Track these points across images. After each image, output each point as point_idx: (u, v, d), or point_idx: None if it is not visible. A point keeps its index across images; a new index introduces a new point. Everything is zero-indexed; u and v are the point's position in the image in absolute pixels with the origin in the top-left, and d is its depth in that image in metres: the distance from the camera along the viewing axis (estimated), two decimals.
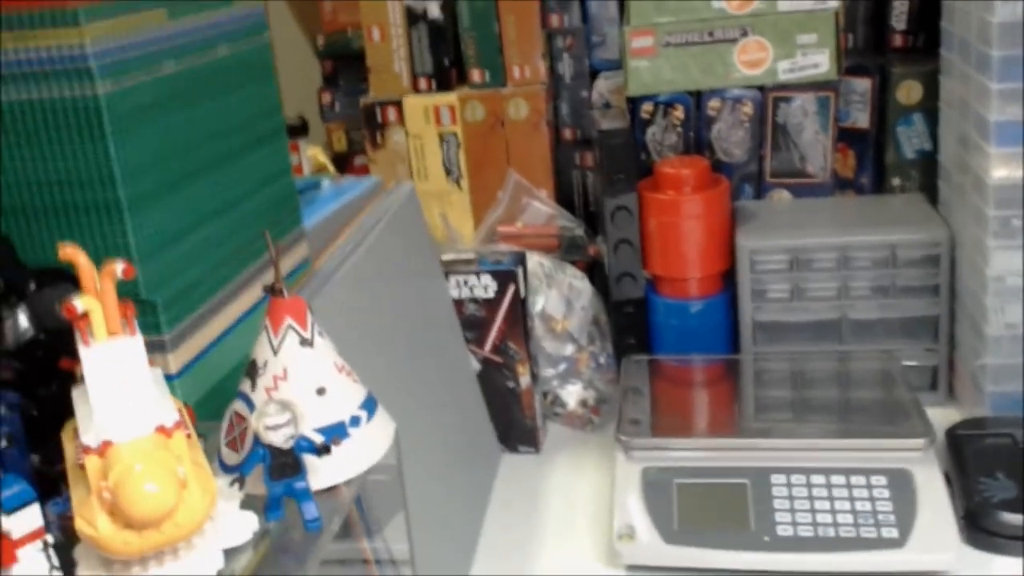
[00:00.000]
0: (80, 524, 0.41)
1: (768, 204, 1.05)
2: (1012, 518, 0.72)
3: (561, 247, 1.17)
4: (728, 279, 1.01)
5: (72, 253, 0.44)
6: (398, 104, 1.20)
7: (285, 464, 0.47)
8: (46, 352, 0.51)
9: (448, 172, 1.21)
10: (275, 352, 0.50)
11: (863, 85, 1.03)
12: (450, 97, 1.18)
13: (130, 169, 0.56)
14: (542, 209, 1.18)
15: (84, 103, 0.55)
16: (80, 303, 0.42)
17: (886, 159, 1.05)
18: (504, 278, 0.91)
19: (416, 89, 1.20)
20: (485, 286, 0.92)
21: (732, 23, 1.00)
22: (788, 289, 0.97)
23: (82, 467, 0.43)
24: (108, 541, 0.41)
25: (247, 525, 0.46)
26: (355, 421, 0.51)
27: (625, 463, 0.82)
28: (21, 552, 0.41)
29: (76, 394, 0.47)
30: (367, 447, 0.52)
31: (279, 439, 0.46)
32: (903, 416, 0.81)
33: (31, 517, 0.42)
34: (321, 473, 0.50)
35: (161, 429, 0.42)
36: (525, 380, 0.95)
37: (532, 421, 0.96)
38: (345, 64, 1.38)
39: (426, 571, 0.65)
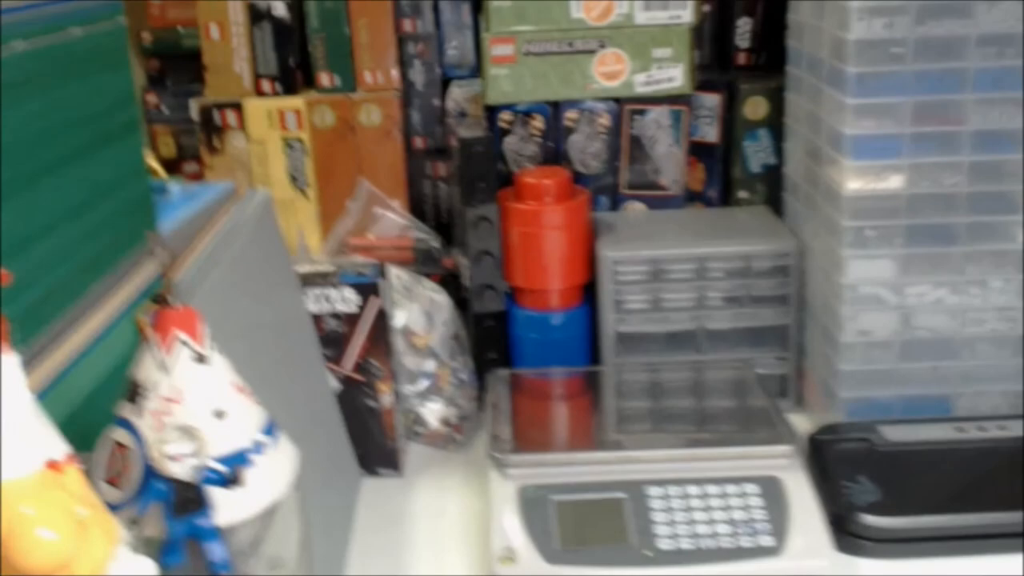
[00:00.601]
0: None
1: (624, 216, 1.06)
2: (877, 521, 0.75)
3: (416, 260, 1.13)
4: (587, 291, 1.01)
5: None
6: (238, 107, 1.12)
7: (188, 499, 0.41)
8: None
9: (293, 180, 1.14)
10: (165, 371, 0.44)
11: (712, 100, 1.06)
12: (296, 101, 1.12)
13: None
14: (395, 220, 1.14)
15: None
16: None
17: (733, 173, 1.08)
18: (366, 291, 0.87)
19: (259, 92, 1.13)
20: (346, 300, 0.87)
21: (591, 34, 1.00)
22: (648, 300, 0.98)
23: None
24: None
25: (144, 573, 0.40)
26: (258, 448, 0.45)
27: (500, 481, 0.79)
28: None
29: None
30: (272, 477, 0.46)
31: (183, 470, 0.40)
32: (767, 423, 0.83)
33: None
34: (221, 509, 0.44)
35: (51, 464, 0.36)
36: (387, 399, 0.91)
37: (394, 442, 0.92)
38: (174, 63, 1.29)
39: None
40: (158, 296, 0.44)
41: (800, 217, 0.96)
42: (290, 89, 1.13)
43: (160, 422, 0.43)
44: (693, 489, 0.77)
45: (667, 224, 1.03)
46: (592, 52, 1.00)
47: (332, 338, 0.88)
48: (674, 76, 1.00)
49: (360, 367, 0.89)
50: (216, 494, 0.43)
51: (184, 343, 0.45)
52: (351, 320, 0.88)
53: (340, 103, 1.11)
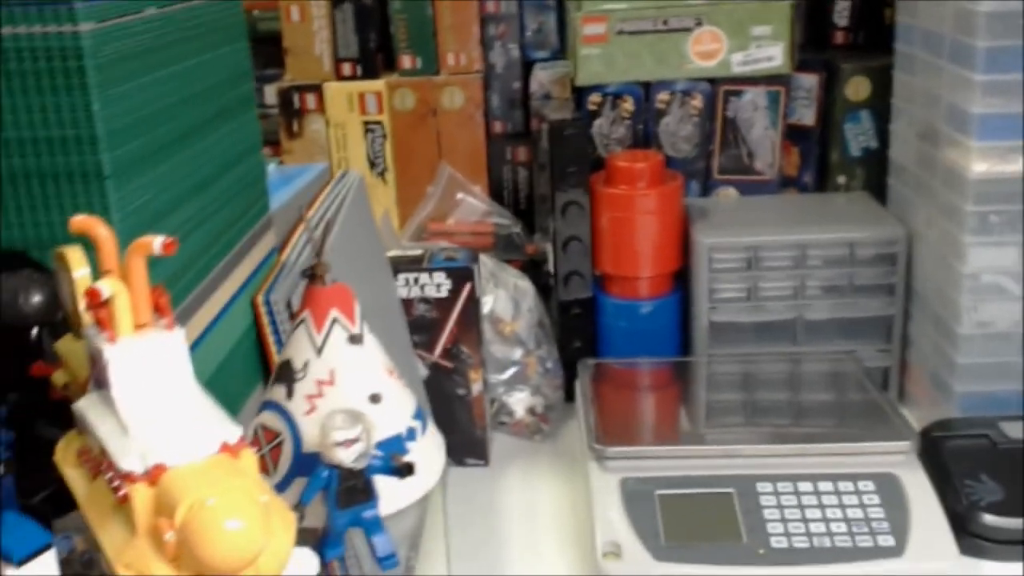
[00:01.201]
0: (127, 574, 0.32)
1: (717, 201, 1.02)
2: (1003, 522, 0.71)
3: (497, 246, 1.11)
4: (677, 279, 0.97)
5: (89, 223, 0.34)
6: (318, 90, 1.11)
7: (355, 489, 0.38)
8: (5, 353, 0.41)
9: (372, 164, 1.12)
10: (318, 352, 0.42)
11: (810, 81, 1.02)
12: (377, 84, 1.09)
13: (112, 129, 0.46)
14: (476, 205, 1.11)
15: (62, 43, 0.44)
16: (107, 287, 0.33)
17: (831, 157, 1.04)
18: (459, 276, 0.84)
19: (339, 74, 1.11)
20: (438, 285, 0.85)
21: (687, 12, 0.96)
22: (744, 288, 0.94)
23: (122, 500, 0.33)
24: None
25: (306, 566, 0.37)
26: (411, 433, 0.42)
27: (600, 474, 0.76)
28: None
29: (86, 405, 0.36)
30: (427, 465, 0.44)
31: (350, 457, 0.38)
32: (882, 419, 0.79)
33: (45, 568, 0.32)
34: (384, 499, 0.41)
35: (227, 448, 0.33)
36: (477, 387, 0.88)
37: (483, 431, 0.89)
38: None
39: None
40: (311, 273, 0.41)
41: (908, 203, 0.92)
42: (371, 72, 1.11)
43: (313, 406, 0.41)
44: (805, 486, 0.73)
45: (763, 210, 0.99)
46: (688, 30, 0.96)
47: (421, 323, 0.86)
48: (773, 55, 0.96)
49: (449, 353, 0.87)
50: (381, 483, 0.40)
51: (338, 322, 0.42)
52: (441, 305, 0.85)
53: (421, 85, 1.09)
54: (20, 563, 0.32)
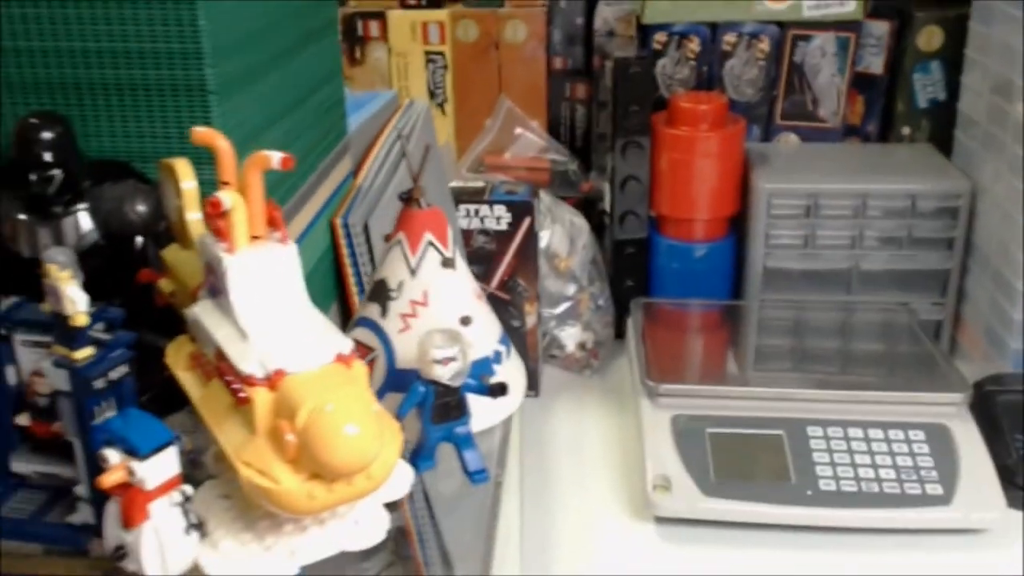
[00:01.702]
0: (248, 474, 0.33)
1: (778, 147, 1.02)
2: None
3: (552, 182, 1.11)
4: (733, 224, 0.97)
5: (210, 135, 0.35)
6: (382, 17, 1.10)
7: (449, 405, 0.40)
8: (110, 261, 0.42)
9: (432, 95, 1.12)
10: (413, 273, 0.43)
11: (881, 28, 1.00)
12: (441, 14, 1.09)
13: (217, 44, 0.47)
14: (534, 140, 1.11)
15: None
16: (227, 198, 0.34)
17: (896, 107, 1.02)
18: (520, 210, 0.85)
19: (403, 3, 1.11)
20: (498, 217, 0.85)
21: None
22: (801, 236, 0.94)
23: (242, 401, 0.35)
24: (291, 496, 0.33)
25: (404, 477, 0.39)
26: (497, 356, 0.44)
27: (652, 410, 0.77)
28: (153, 506, 0.33)
29: (200, 311, 0.38)
30: (513, 386, 0.45)
31: (447, 375, 0.39)
32: (935, 370, 0.79)
33: (167, 463, 0.34)
34: (476, 417, 0.43)
35: (340, 357, 0.34)
36: (531, 319, 0.89)
37: (535, 363, 0.91)
38: None
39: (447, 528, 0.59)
40: (408, 196, 0.42)
41: (974, 156, 0.91)
42: (435, 1, 1.10)
43: (407, 324, 0.42)
44: (855, 432, 0.74)
45: (824, 158, 0.98)
46: None
47: (480, 255, 0.87)
48: (846, 0, 0.95)
49: (506, 286, 0.88)
50: (474, 401, 0.42)
51: (432, 245, 0.43)
52: (500, 238, 0.86)
53: (485, 17, 1.08)
54: (145, 457, 0.34)
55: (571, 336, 0.97)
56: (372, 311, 0.44)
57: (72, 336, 0.39)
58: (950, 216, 0.91)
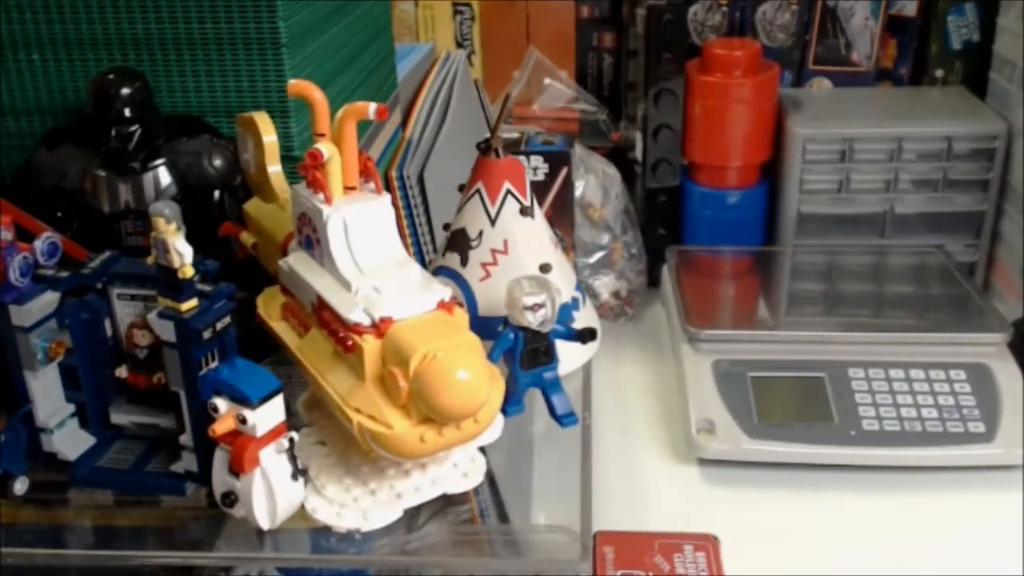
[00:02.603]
0: (361, 420, 0.34)
1: (811, 92, 1.01)
2: None
3: (581, 132, 1.11)
4: (765, 170, 0.98)
5: (306, 87, 0.36)
6: None
7: (538, 351, 0.41)
8: (189, 215, 0.43)
9: (460, 46, 1.12)
10: (492, 222, 0.43)
11: None
12: None
13: None
14: (563, 91, 1.11)
15: None
16: (325, 149, 0.34)
17: (930, 50, 1.02)
18: (557, 160, 0.86)
19: None
20: (535, 168, 0.86)
21: None
22: (836, 180, 0.94)
23: (349, 348, 0.36)
24: (403, 440, 0.34)
25: (495, 422, 0.40)
26: (575, 303, 0.45)
27: (693, 355, 0.78)
28: (263, 453, 0.34)
29: (294, 262, 0.39)
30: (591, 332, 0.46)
31: (537, 321, 0.40)
32: (974, 311, 0.80)
33: (275, 410, 0.35)
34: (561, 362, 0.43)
35: (442, 304, 0.35)
36: None
37: None
38: None
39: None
40: (487, 145, 0.43)
41: (1009, 98, 0.91)
42: None
43: (488, 273, 0.43)
44: (896, 372, 0.75)
45: (858, 102, 0.98)
46: None
47: None
48: None
49: None
50: (560, 347, 0.42)
51: (511, 194, 0.44)
52: (537, 188, 0.87)
53: None
54: (257, 404, 0.34)
55: (605, 285, 0.97)
56: (452, 260, 0.44)
57: (179, 288, 0.40)
58: (986, 158, 0.91)
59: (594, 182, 0.98)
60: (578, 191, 0.96)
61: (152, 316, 0.42)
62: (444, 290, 0.36)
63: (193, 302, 0.41)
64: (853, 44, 1.00)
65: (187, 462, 0.45)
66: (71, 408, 0.50)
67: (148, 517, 0.50)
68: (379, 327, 0.34)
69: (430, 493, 0.37)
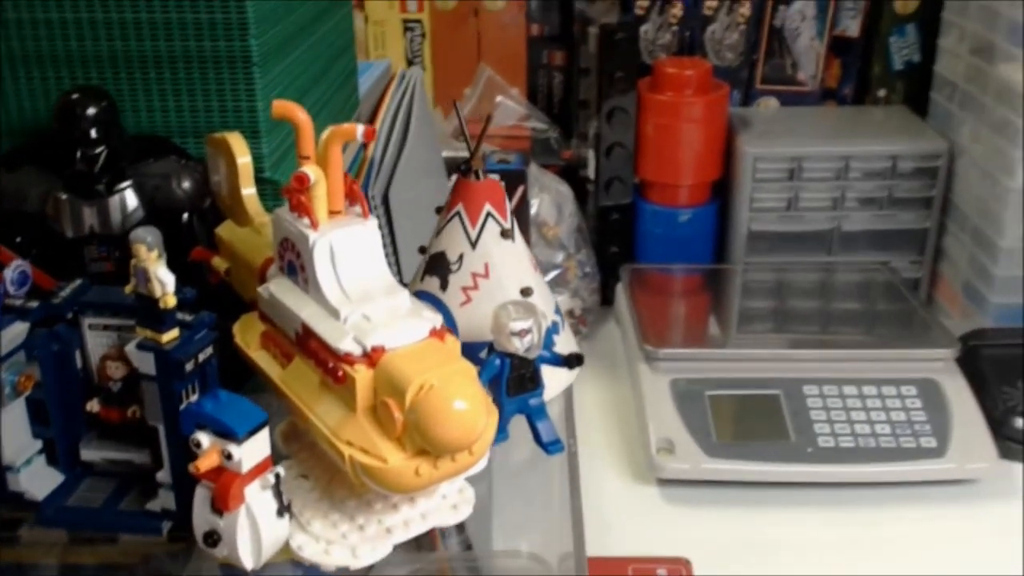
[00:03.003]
0: (353, 454, 0.33)
1: (759, 112, 1.03)
2: None
3: (533, 150, 1.11)
4: (715, 188, 0.99)
5: (290, 108, 0.34)
6: None
7: (524, 377, 0.40)
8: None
9: (410, 63, 1.11)
10: (473, 245, 0.43)
11: None
12: None
13: (259, 15, 0.45)
14: (514, 108, 1.11)
15: None
16: (312, 172, 0.33)
17: (872, 70, 1.04)
18: (513, 179, 0.85)
19: None
20: None
21: None
22: (785, 199, 0.95)
23: (339, 379, 0.34)
24: (398, 473, 0.33)
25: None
26: (555, 328, 0.44)
27: (651, 374, 0.79)
28: (249, 490, 0.33)
29: (275, 288, 0.37)
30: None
31: (523, 346, 0.39)
32: (922, 327, 0.82)
33: (261, 445, 0.33)
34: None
35: (434, 332, 0.34)
36: None
37: None
38: None
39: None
40: (467, 167, 0.42)
41: (950, 118, 0.93)
42: None
43: (468, 297, 0.42)
44: (850, 389, 0.76)
45: (805, 121, 1.00)
46: None
47: None
48: None
49: None
50: (546, 373, 0.42)
51: (491, 216, 0.43)
52: None
53: None
54: (243, 439, 0.33)
55: (560, 304, 0.97)
56: (431, 285, 0.43)
57: (159, 318, 0.38)
58: (929, 176, 0.93)
59: (548, 200, 0.98)
60: (533, 209, 0.96)
61: (130, 347, 0.41)
62: (435, 317, 0.35)
63: (174, 332, 0.39)
64: (799, 64, 1.02)
65: (164, 500, 0.43)
66: (38, 444, 0.47)
67: (109, 554, 0.48)
68: (371, 356, 0.33)
69: (420, 527, 0.36)
